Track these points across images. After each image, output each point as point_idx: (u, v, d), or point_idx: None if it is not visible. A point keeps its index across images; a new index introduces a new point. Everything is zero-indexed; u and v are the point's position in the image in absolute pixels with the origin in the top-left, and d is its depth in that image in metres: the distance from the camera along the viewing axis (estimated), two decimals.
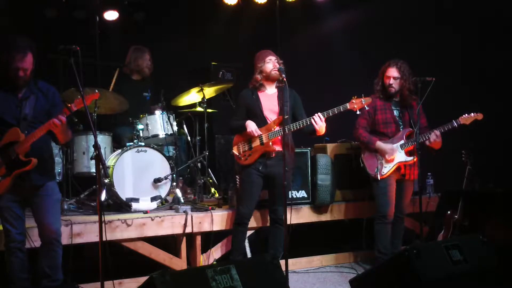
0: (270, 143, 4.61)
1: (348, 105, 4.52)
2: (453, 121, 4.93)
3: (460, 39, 6.27)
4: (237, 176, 5.00)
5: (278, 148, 4.66)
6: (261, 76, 4.71)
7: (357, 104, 4.51)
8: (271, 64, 4.67)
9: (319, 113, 4.49)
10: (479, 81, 6.09)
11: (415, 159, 4.96)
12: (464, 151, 5.11)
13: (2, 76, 3.80)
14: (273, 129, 4.61)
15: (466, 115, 4.90)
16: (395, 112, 5.10)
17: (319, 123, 4.48)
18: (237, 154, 4.74)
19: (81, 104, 3.73)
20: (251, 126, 4.61)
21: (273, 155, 4.65)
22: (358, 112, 4.57)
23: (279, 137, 4.60)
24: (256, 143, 4.64)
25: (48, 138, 3.93)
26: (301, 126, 4.56)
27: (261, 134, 4.61)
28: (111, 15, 7.20)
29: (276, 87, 4.78)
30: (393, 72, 5.01)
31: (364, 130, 5.11)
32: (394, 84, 5.01)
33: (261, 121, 4.66)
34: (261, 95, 4.74)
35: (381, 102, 5.10)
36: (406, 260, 3.50)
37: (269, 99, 4.74)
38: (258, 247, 5.21)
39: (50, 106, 3.89)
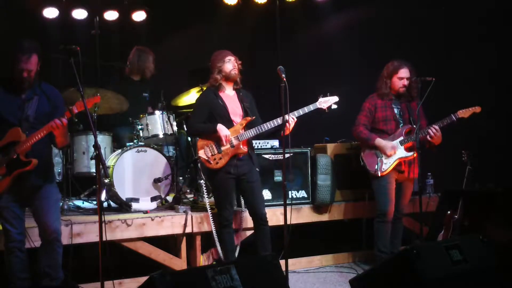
0: (241, 145, 4.59)
1: (317, 104, 4.57)
2: (451, 115, 4.94)
3: (460, 39, 6.27)
4: (202, 181, 4.97)
5: (246, 149, 4.66)
6: (220, 76, 4.67)
7: (324, 102, 4.55)
8: (230, 64, 4.66)
9: (290, 115, 4.48)
10: (479, 81, 6.09)
11: (414, 155, 4.97)
12: (464, 151, 5.11)
13: (7, 77, 3.83)
14: (241, 131, 4.60)
15: (464, 109, 4.93)
16: (396, 110, 5.11)
17: (292, 124, 4.51)
18: (206, 158, 4.61)
19: (82, 107, 3.75)
20: (224, 131, 4.55)
21: (240, 155, 4.63)
22: (326, 111, 4.58)
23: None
24: (226, 146, 4.58)
25: (48, 140, 3.93)
26: (272, 126, 4.55)
27: (231, 140, 4.57)
28: (111, 15, 7.21)
29: (234, 88, 4.76)
30: (406, 73, 5.03)
31: (364, 127, 5.11)
32: (406, 84, 5.04)
33: (227, 123, 4.62)
34: (223, 96, 4.70)
35: (382, 100, 5.11)
36: (406, 260, 3.49)
37: (232, 101, 4.71)
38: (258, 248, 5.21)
39: (52, 109, 3.90)
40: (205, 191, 4.96)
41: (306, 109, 4.57)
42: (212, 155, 4.60)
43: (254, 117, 4.66)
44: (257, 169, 4.71)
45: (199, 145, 4.68)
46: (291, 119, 4.49)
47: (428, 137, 4.93)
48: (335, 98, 4.60)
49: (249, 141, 4.70)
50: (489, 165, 5.67)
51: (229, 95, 4.72)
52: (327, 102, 4.58)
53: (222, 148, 4.58)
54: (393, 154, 4.98)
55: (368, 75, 5.41)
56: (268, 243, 4.66)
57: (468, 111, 4.92)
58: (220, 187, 4.66)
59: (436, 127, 4.92)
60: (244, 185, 4.67)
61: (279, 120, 4.50)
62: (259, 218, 4.66)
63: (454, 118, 4.93)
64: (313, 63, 7.53)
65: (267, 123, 4.58)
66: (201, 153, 4.64)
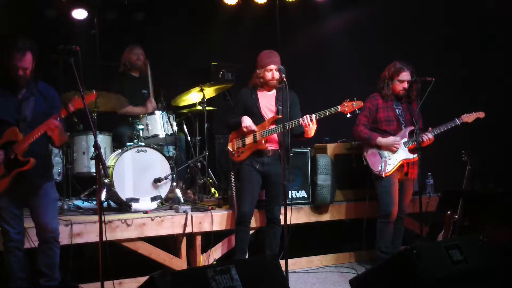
0: (263, 141, 4.63)
1: (339, 108, 4.51)
2: (456, 119, 4.94)
3: (460, 39, 6.27)
4: (231, 174, 5.01)
5: (272, 146, 4.69)
6: (259, 82, 4.76)
7: (348, 107, 4.48)
8: (270, 74, 4.69)
9: (307, 115, 4.48)
10: (479, 81, 6.09)
11: (417, 157, 4.96)
12: (464, 151, 5.11)
13: (3, 76, 3.81)
14: (267, 127, 4.63)
15: (468, 113, 4.92)
16: (397, 111, 5.11)
17: (310, 125, 4.48)
18: (231, 150, 4.79)
19: (78, 105, 3.74)
20: (246, 121, 4.66)
21: (270, 153, 4.67)
22: (348, 115, 4.51)
23: (275, 136, 4.64)
24: (250, 140, 4.67)
25: (45, 139, 3.92)
26: (292, 126, 4.52)
27: (255, 130, 4.63)
28: (111, 15, 7.21)
29: (276, 87, 4.80)
30: (407, 76, 5.01)
31: (364, 127, 5.11)
32: (406, 87, 5.03)
33: (258, 120, 4.69)
34: (260, 94, 4.79)
35: (383, 100, 5.11)
36: (406, 260, 3.49)
37: (267, 98, 4.78)
38: (258, 247, 5.21)
39: (49, 108, 3.88)
40: (233, 185, 5.01)
41: (326, 112, 4.52)
42: (237, 148, 4.74)
43: (280, 116, 4.61)
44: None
45: (230, 138, 4.86)
46: (308, 121, 4.47)
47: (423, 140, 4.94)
48: (360, 103, 4.51)
49: (279, 140, 4.69)
50: (489, 165, 5.67)
51: (266, 93, 4.80)
52: (351, 106, 4.47)
53: (246, 142, 4.69)
54: (398, 147, 4.97)
55: (368, 75, 5.41)
56: (276, 244, 4.74)
57: (472, 115, 4.93)
58: (243, 180, 4.72)
59: (430, 135, 4.93)
60: (269, 184, 4.75)
61: (293, 123, 4.50)
62: (273, 219, 4.76)
63: (458, 122, 4.94)
64: (313, 63, 7.53)
65: (279, 125, 4.56)
66: (229, 146, 4.81)
